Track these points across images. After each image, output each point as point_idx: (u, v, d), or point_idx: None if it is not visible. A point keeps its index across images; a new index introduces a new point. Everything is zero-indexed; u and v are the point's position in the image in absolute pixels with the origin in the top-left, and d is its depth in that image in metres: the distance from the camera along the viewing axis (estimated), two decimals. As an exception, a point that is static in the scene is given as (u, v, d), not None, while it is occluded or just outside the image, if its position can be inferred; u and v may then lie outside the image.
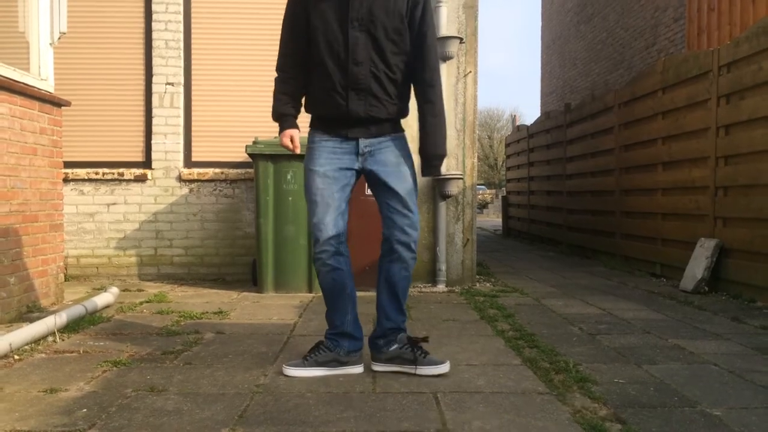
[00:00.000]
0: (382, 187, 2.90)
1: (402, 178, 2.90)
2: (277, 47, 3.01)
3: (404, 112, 2.95)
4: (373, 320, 3.10)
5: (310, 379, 2.81)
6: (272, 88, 3.00)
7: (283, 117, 2.94)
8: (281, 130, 2.95)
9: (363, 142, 2.88)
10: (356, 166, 2.90)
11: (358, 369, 2.91)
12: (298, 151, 2.97)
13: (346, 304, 2.92)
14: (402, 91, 2.91)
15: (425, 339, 2.97)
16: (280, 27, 2.99)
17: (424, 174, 3.02)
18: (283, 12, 2.99)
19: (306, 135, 3.03)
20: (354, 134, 2.87)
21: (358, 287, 5.04)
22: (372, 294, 4.72)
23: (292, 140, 2.94)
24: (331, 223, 2.84)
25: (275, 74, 3.00)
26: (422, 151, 2.96)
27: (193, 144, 5.87)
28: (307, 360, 2.88)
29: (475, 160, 5.77)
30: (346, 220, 2.89)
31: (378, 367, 2.92)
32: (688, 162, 5.97)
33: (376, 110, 2.83)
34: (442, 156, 2.96)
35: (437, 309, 4.57)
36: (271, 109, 2.97)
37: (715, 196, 5.49)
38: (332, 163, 2.87)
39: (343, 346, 2.91)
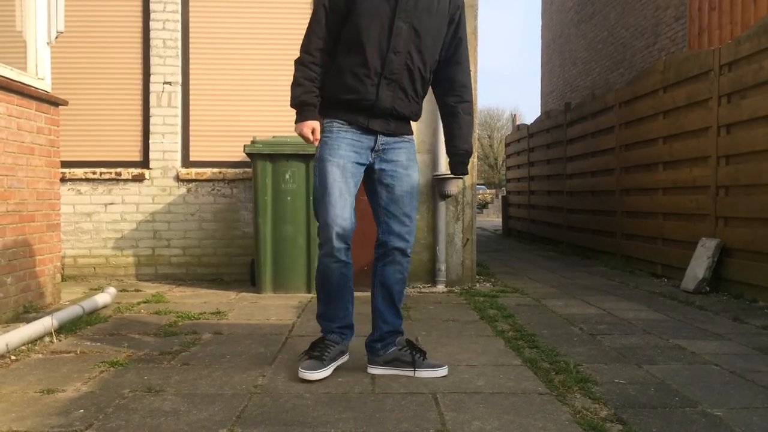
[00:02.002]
0: (385, 190, 2.86)
1: (409, 182, 2.89)
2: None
3: (419, 115, 2.96)
4: (371, 320, 3.07)
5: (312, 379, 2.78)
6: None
7: (306, 106, 2.79)
8: (301, 119, 2.80)
9: (381, 139, 2.85)
10: (368, 162, 2.87)
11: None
12: (317, 143, 2.84)
13: (349, 296, 2.93)
14: (425, 92, 2.93)
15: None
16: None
17: (456, 171, 3.03)
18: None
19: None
20: (374, 125, 2.82)
21: (357, 287, 5.05)
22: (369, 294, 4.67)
23: (313, 132, 2.80)
24: (348, 218, 2.79)
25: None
26: (456, 148, 2.97)
27: (191, 143, 5.85)
28: (324, 360, 2.79)
29: (475, 159, 5.74)
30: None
31: (375, 371, 2.89)
32: (689, 161, 5.95)
33: (400, 104, 2.82)
34: (471, 153, 3.01)
35: (437, 309, 4.55)
36: (289, 98, 2.81)
37: (717, 196, 5.47)
38: (351, 156, 2.81)
39: (349, 336, 2.93)
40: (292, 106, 2.82)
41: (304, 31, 2.85)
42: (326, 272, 2.83)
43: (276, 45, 5.75)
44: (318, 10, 2.80)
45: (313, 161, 2.86)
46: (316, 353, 2.82)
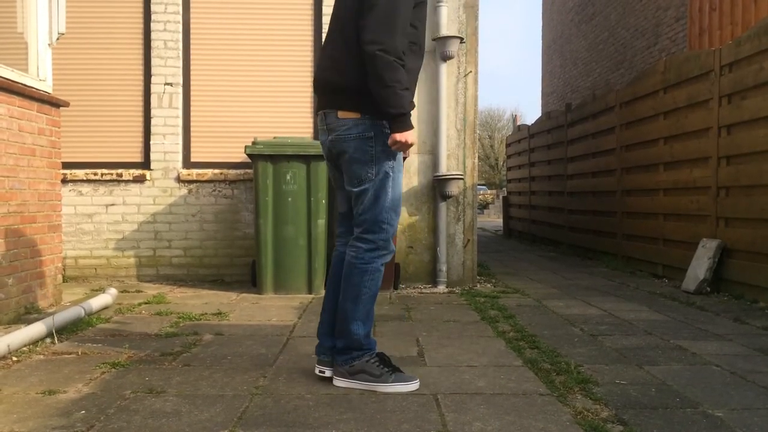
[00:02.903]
0: None
1: None
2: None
3: None
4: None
5: (311, 380, 2.78)
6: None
7: (410, 114, 2.62)
8: (410, 126, 2.60)
9: None
10: None
11: None
12: None
13: None
14: None
15: None
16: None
17: None
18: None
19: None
20: None
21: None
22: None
23: None
24: None
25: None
26: None
27: (192, 144, 5.85)
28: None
29: (476, 160, 5.75)
30: None
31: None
32: (689, 162, 5.95)
33: None
34: None
35: (438, 310, 4.55)
36: (397, 102, 2.54)
37: (717, 197, 5.47)
38: None
39: None
40: (403, 113, 2.56)
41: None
42: (381, 279, 2.74)
43: (277, 46, 5.76)
44: (404, 5, 2.56)
45: (376, 165, 2.66)
46: (386, 366, 2.72)
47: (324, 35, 5.47)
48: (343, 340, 2.72)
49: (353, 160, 2.67)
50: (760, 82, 4.89)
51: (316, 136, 5.70)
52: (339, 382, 2.72)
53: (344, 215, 2.88)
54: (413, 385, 2.67)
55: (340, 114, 2.67)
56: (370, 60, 2.52)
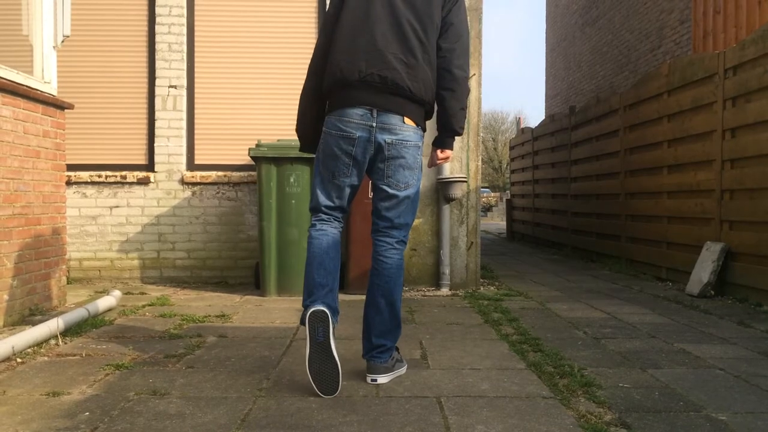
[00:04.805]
0: None
1: None
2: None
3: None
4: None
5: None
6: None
7: None
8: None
9: None
10: None
11: None
12: None
13: None
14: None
15: None
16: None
17: None
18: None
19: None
20: None
21: (359, 291, 5.06)
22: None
23: None
24: None
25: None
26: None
27: (195, 147, 5.87)
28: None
29: (480, 162, 5.75)
30: None
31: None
32: (693, 165, 5.94)
33: None
34: None
35: (441, 312, 4.55)
36: (464, 123, 2.96)
37: (721, 200, 5.46)
38: None
39: None
40: (462, 132, 2.95)
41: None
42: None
43: (281, 48, 5.77)
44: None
45: (419, 172, 2.88)
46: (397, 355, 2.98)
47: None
48: (392, 338, 2.85)
49: (406, 166, 2.81)
50: (765, 85, 4.88)
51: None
52: (384, 378, 2.83)
53: (334, 208, 2.86)
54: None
55: (407, 120, 2.78)
56: (459, 83, 2.81)
